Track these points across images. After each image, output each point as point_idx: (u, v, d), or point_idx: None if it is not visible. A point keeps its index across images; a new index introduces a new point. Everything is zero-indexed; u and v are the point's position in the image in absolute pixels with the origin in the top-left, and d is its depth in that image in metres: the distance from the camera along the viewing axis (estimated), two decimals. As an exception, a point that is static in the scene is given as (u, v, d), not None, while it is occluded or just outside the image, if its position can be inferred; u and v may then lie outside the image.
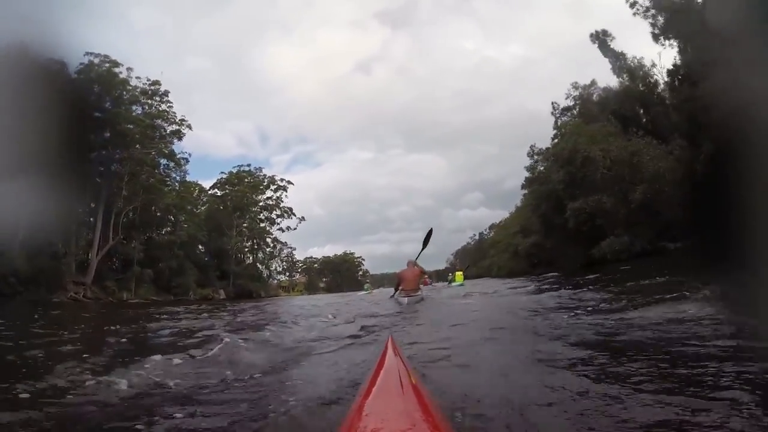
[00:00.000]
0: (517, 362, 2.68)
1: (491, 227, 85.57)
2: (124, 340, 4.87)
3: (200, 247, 42.11)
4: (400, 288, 8.64)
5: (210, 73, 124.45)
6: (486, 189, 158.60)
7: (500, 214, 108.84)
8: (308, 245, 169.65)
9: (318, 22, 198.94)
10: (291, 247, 51.53)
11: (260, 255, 48.29)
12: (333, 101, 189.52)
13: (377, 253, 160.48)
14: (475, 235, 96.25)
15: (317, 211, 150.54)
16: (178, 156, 32.17)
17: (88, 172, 27.12)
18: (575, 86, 32.43)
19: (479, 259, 75.36)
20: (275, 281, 54.53)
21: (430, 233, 9.80)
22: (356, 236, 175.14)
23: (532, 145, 33.68)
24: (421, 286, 9.08)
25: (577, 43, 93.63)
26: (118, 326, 6.71)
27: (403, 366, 1.39)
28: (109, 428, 1.88)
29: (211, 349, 3.46)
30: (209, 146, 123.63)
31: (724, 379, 1.91)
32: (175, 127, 30.97)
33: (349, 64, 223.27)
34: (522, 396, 1.90)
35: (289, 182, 49.57)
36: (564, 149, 27.29)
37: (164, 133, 30.62)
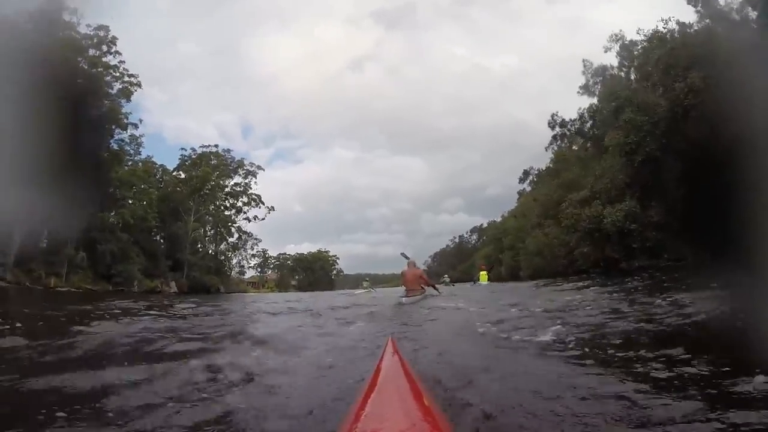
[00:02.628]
0: (520, 363, 2.60)
1: (473, 230, 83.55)
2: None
3: (156, 232, 37.38)
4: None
5: (199, 61, 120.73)
6: (467, 195, 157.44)
7: (479, 220, 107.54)
8: (285, 242, 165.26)
9: (314, 17, 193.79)
10: (257, 239, 46.68)
11: (222, 246, 43.44)
12: (322, 98, 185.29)
13: (354, 253, 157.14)
14: (455, 238, 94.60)
15: (296, 208, 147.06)
16: (125, 120, 27.26)
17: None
18: (615, 38, 26.37)
19: (458, 263, 73.28)
20: (239, 276, 49.63)
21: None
22: (335, 235, 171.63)
23: (554, 114, 29.31)
24: (423, 286, 9.10)
25: (566, 58, 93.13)
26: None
27: (403, 366, 1.38)
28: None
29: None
30: (190, 136, 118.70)
31: None
32: (122, 84, 26.19)
33: (341, 61, 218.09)
34: (523, 396, 1.87)
35: (258, 167, 45.00)
36: (687, 43, 17.47)
37: (110, 91, 25.89)
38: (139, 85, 26.57)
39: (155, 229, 37.13)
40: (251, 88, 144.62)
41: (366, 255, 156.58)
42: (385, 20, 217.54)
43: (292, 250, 79.86)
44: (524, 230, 37.23)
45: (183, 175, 40.99)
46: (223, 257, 42.39)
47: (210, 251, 42.34)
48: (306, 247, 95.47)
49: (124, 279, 29.23)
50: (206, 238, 42.31)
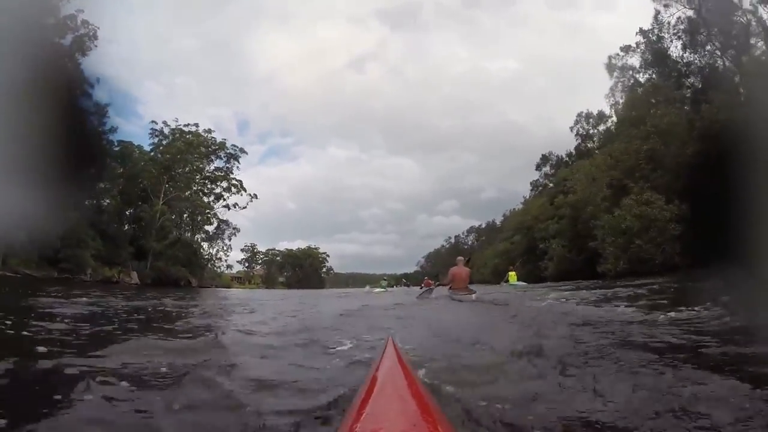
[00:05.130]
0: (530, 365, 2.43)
1: (469, 230, 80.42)
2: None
3: (127, 217, 33.44)
4: (449, 286, 8.99)
5: (196, 54, 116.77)
6: (462, 198, 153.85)
7: (473, 224, 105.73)
8: (278, 239, 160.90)
9: (316, 14, 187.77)
10: (236, 228, 42.40)
11: (197, 237, 39.38)
12: (320, 96, 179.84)
13: (347, 252, 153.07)
14: (450, 238, 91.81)
15: (290, 205, 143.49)
16: (85, 83, 23.27)
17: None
18: None
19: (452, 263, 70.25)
20: (219, 270, 45.56)
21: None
22: (328, 234, 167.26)
23: (611, 56, 26.17)
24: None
25: (567, 65, 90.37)
26: None
27: (403, 366, 1.37)
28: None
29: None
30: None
31: None
32: (75, 35, 22.29)
33: (342, 59, 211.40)
34: (524, 397, 1.82)
35: (242, 150, 40.98)
36: None
37: (62, 43, 22.02)
38: (95, 36, 22.64)
39: (127, 212, 33.39)
40: (249, 85, 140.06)
41: (359, 254, 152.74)
42: (389, 20, 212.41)
43: (285, 247, 75.70)
44: (593, 203, 26.31)
45: (161, 157, 37.02)
46: (197, 247, 38.31)
47: (186, 241, 38.29)
48: (299, 245, 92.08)
49: (73, 265, 25.34)
50: (182, 226, 38.29)
